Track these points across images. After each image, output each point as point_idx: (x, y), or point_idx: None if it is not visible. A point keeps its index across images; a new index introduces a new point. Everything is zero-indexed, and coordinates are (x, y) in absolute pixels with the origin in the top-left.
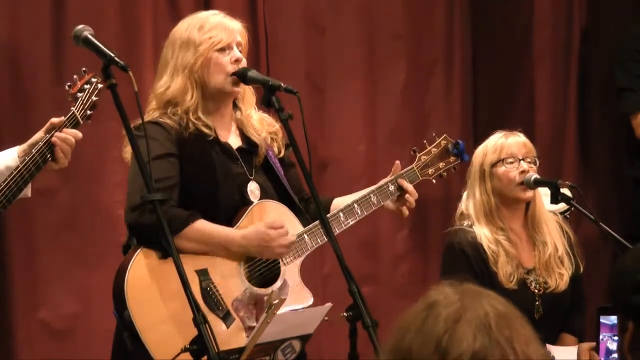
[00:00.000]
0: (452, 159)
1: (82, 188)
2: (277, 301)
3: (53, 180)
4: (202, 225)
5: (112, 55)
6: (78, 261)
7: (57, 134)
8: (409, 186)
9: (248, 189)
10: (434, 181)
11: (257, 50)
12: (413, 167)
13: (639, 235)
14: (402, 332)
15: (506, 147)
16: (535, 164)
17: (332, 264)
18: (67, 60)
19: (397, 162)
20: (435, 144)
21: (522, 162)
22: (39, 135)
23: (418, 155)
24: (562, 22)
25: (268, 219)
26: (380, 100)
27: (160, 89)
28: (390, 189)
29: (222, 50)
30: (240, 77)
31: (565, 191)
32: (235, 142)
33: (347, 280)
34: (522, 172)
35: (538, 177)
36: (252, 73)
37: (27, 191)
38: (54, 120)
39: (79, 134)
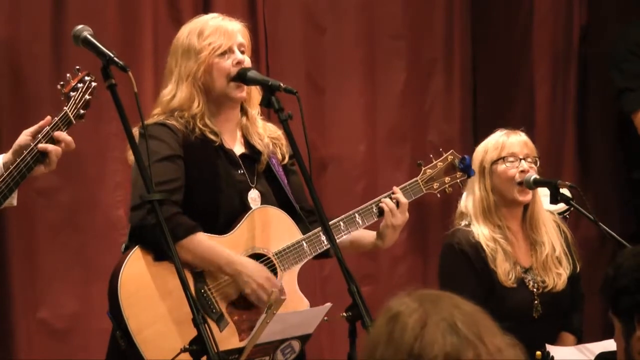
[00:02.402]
0: (458, 174)
1: (82, 188)
2: (276, 301)
3: (53, 180)
4: (203, 239)
5: (112, 55)
6: (78, 261)
7: (54, 135)
8: (402, 199)
9: (249, 197)
10: (438, 195)
11: (257, 50)
12: (417, 180)
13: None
14: (371, 349)
15: (508, 146)
16: (535, 164)
17: (332, 264)
18: (67, 60)
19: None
20: (441, 159)
21: (522, 161)
22: (24, 139)
23: (423, 169)
24: (561, 22)
25: (268, 225)
26: (380, 100)
27: (166, 97)
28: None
29: (222, 54)
30: (240, 78)
31: (565, 191)
32: (238, 148)
33: (346, 280)
34: (522, 171)
35: (537, 177)
36: (252, 73)
37: (13, 200)
38: (41, 123)
39: (69, 139)
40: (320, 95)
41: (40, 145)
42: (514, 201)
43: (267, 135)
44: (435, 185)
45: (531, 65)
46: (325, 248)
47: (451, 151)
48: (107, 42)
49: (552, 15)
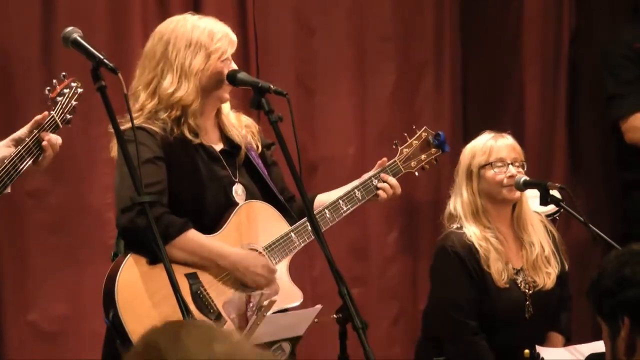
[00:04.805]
0: (433, 150)
1: (72, 190)
2: (267, 303)
3: (43, 182)
4: (195, 236)
5: (102, 57)
6: (68, 263)
7: (47, 137)
8: (392, 180)
9: (234, 192)
10: (416, 174)
11: (247, 51)
12: (395, 161)
13: (630, 234)
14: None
15: (495, 151)
16: (523, 167)
17: (322, 265)
18: (57, 62)
19: (385, 158)
20: (416, 137)
21: (510, 166)
22: (23, 132)
23: (400, 149)
24: (551, 23)
25: (256, 220)
26: (370, 101)
27: (168, 91)
28: (374, 183)
29: (223, 61)
30: (230, 79)
31: (555, 193)
32: (217, 144)
33: (336, 282)
34: (510, 176)
35: (527, 178)
36: (242, 75)
37: (7, 188)
38: (38, 117)
39: (60, 140)
40: (310, 96)
41: (44, 143)
42: (504, 200)
43: (243, 125)
44: (413, 164)
45: (521, 67)
46: (313, 237)
47: (424, 128)
48: (97, 43)
49: (541, 17)
